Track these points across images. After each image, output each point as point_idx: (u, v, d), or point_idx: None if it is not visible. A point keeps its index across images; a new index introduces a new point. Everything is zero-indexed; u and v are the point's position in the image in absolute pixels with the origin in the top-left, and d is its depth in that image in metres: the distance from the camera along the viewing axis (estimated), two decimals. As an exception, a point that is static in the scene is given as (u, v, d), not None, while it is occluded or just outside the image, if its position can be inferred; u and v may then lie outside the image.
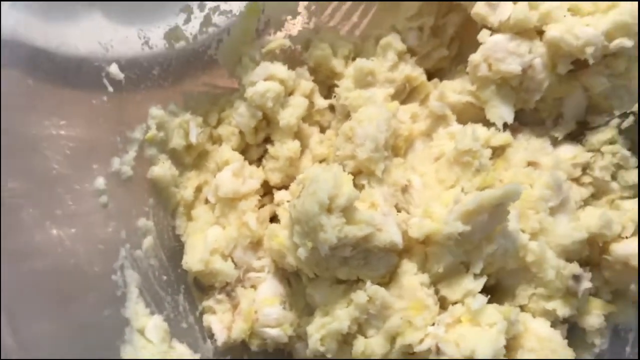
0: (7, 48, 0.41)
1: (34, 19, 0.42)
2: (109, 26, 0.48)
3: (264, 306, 0.53)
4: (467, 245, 0.50)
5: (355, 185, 0.51)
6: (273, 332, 0.53)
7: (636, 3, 0.53)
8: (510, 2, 0.55)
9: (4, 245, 0.38)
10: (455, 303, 0.50)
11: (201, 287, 0.55)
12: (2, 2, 0.41)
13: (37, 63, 0.42)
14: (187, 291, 0.54)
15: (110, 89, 0.48)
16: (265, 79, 0.57)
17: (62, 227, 0.42)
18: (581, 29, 0.53)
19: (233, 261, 0.55)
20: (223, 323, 0.53)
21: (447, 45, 0.63)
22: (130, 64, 0.50)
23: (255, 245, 0.56)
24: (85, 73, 0.46)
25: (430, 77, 0.63)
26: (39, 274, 0.40)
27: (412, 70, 0.61)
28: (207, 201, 0.57)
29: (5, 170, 0.39)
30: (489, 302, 0.50)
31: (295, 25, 0.63)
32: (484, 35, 0.55)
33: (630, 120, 0.55)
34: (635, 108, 0.55)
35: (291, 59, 0.61)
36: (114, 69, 0.48)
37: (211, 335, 0.53)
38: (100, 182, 0.46)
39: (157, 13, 0.52)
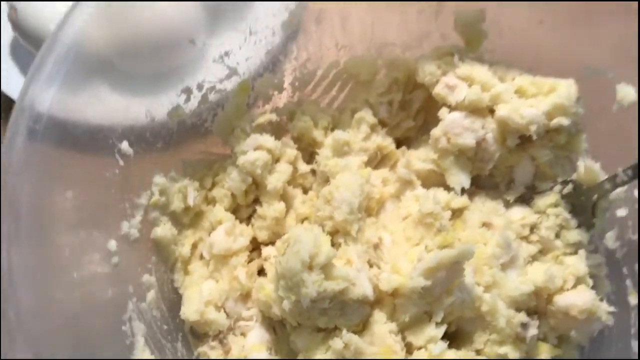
0: (39, 123, 0.48)
1: (62, 97, 0.49)
2: (122, 107, 0.56)
3: (253, 352, 0.60)
4: (429, 298, 0.57)
5: (332, 243, 0.59)
6: (261, 374, 0.59)
7: (573, 87, 0.62)
8: (465, 85, 0.64)
9: (25, 303, 0.44)
10: (420, 348, 0.57)
11: (196, 334, 0.61)
12: (36, 82, 0.48)
13: (63, 139, 0.50)
14: (184, 339, 0.60)
15: (121, 162, 0.55)
16: (255, 149, 0.64)
17: (80, 286, 0.49)
18: (526, 109, 0.62)
19: (225, 311, 0.61)
20: (216, 367, 0.60)
21: (413, 117, 0.72)
22: (138, 139, 0.57)
23: (245, 297, 0.63)
24: (101, 150, 0.53)
25: (398, 144, 0.71)
26: (59, 327, 0.46)
27: (382, 140, 0.69)
28: (202, 257, 0.64)
29: (31, 235, 0.46)
30: (449, 347, 0.58)
31: (281, 99, 0.71)
32: (443, 112, 0.64)
33: (570, 187, 0.63)
34: (574, 177, 0.64)
35: (277, 129, 0.69)
36: (124, 145, 0.55)
37: (206, 379, 0.60)
38: (112, 244, 0.54)
39: (162, 95, 0.60)
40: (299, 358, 0.58)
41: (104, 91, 0.54)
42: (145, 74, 0.57)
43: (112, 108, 0.55)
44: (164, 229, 0.60)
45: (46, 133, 0.48)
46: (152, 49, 0.58)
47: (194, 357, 0.60)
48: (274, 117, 0.67)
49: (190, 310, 0.59)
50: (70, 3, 0.74)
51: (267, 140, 0.65)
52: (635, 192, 0.62)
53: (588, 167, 0.61)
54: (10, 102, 0.78)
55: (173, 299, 0.61)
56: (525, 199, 0.66)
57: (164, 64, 0.59)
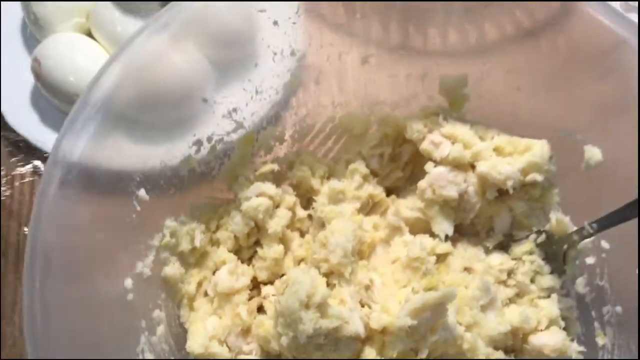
0: (71, 173, 0.53)
1: (91, 149, 0.55)
2: (142, 156, 0.62)
3: (252, 384, 0.65)
4: (415, 336, 0.62)
5: (327, 283, 0.64)
6: (259, 406, 0.64)
7: (546, 147, 0.69)
8: (449, 142, 0.71)
9: (51, 334, 0.49)
10: (406, 382, 0.63)
11: (200, 367, 0.67)
12: (68, 136, 0.54)
13: (90, 186, 0.55)
14: (189, 371, 0.65)
15: (138, 208, 0.61)
16: (257, 195, 0.70)
17: (101, 319, 0.54)
18: (503, 166, 0.68)
19: (227, 345, 0.66)
20: (218, 398, 0.65)
21: (402, 168, 0.78)
22: (153, 186, 0.63)
23: (245, 332, 0.68)
24: (121, 196, 0.59)
25: (388, 193, 0.78)
26: (81, 356, 0.51)
27: (374, 189, 0.75)
28: (206, 294, 0.69)
29: (60, 274, 0.52)
30: (433, 382, 0.63)
31: (282, 149, 0.78)
32: (429, 166, 0.71)
33: (543, 237, 0.69)
34: (547, 227, 0.70)
35: (278, 177, 0.75)
36: (142, 192, 0.61)
37: (209, 408, 0.64)
38: (128, 282, 0.59)
39: (176, 146, 0.66)
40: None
41: (125, 142, 0.60)
42: (162, 128, 0.63)
43: (132, 157, 0.61)
44: (172, 268, 0.66)
45: (76, 181, 0.54)
46: (169, 105, 0.64)
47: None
48: (275, 167, 0.73)
49: (195, 344, 0.64)
50: (90, 55, 0.81)
51: (269, 187, 0.71)
52: (602, 243, 0.68)
53: (559, 220, 0.68)
54: (23, 142, 0.84)
55: (179, 333, 0.66)
56: (503, 246, 0.72)
57: (178, 118, 0.66)
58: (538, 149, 0.68)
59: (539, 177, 0.68)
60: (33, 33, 0.85)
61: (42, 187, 0.52)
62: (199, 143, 0.68)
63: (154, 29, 0.60)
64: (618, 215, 0.59)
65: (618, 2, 1.02)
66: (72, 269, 0.52)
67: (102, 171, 0.57)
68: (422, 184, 0.71)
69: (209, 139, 0.69)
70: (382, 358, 0.63)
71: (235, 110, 0.70)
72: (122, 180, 0.60)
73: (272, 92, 0.72)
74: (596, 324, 0.68)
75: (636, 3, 0.66)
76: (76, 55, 0.79)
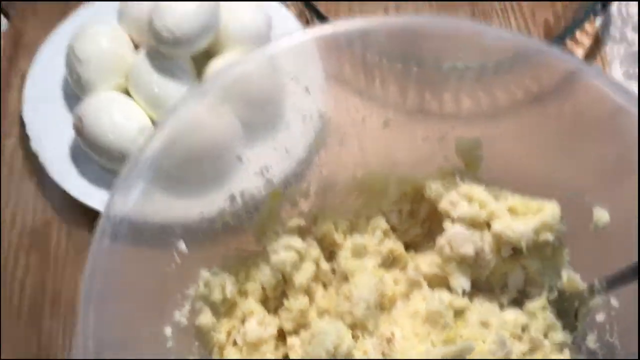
0: (122, 226, 0.58)
1: (139, 204, 0.60)
2: (183, 211, 0.66)
3: None
4: (435, 387, 0.66)
5: (352, 336, 0.68)
6: None
7: (557, 209, 0.73)
8: (466, 202, 0.76)
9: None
10: None
11: (229, 412, 0.70)
12: (119, 194, 0.59)
13: (137, 239, 0.60)
14: (219, 416, 0.68)
15: (178, 260, 0.65)
16: (285, 249, 0.75)
17: (143, 365, 0.58)
18: (517, 226, 0.73)
19: (255, 393, 0.70)
20: None
21: (421, 224, 0.83)
22: (192, 239, 0.67)
23: (272, 381, 0.71)
24: (164, 248, 0.64)
25: (407, 248, 0.82)
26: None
27: (394, 245, 0.80)
28: (235, 343, 0.73)
29: (112, 321, 0.55)
30: None
31: (307, 204, 0.83)
32: (447, 224, 0.75)
33: (555, 294, 0.73)
34: (559, 284, 0.74)
35: (303, 231, 0.80)
36: (181, 245, 0.66)
37: None
38: (168, 330, 0.62)
39: (213, 201, 0.71)
40: None
41: (169, 198, 0.64)
42: (201, 184, 0.68)
43: (174, 212, 0.65)
44: (205, 318, 0.69)
45: (125, 235, 0.58)
46: (207, 164, 0.69)
47: None
48: (302, 222, 0.78)
49: (225, 391, 0.68)
50: (128, 114, 0.87)
51: (296, 241, 0.75)
52: (612, 300, 0.72)
53: (570, 277, 0.72)
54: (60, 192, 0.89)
55: (210, 381, 0.69)
56: (517, 302, 0.76)
57: (215, 176, 0.71)
58: (549, 211, 0.73)
59: (550, 237, 0.72)
60: (75, 91, 0.91)
61: (95, 240, 0.56)
62: (232, 198, 0.73)
63: (196, 98, 0.66)
64: (625, 274, 0.63)
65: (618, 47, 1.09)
66: (122, 319, 0.56)
67: (148, 225, 0.61)
68: (440, 241, 0.75)
69: (242, 194, 0.74)
70: (404, 408, 0.66)
71: (266, 168, 0.74)
72: (164, 233, 0.64)
73: (300, 151, 0.77)
74: (607, 379, 0.71)
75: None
76: (115, 114, 0.85)
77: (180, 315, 0.66)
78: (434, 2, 1.17)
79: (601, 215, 0.71)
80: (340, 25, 0.75)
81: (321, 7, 1.06)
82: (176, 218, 0.66)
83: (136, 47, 0.94)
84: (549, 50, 0.72)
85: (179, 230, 0.66)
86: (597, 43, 1.13)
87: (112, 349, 0.54)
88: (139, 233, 0.60)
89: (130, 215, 0.59)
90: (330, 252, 0.81)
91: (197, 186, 0.69)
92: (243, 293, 0.76)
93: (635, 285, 0.66)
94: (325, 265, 0.79)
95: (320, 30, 0.74)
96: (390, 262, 0.80)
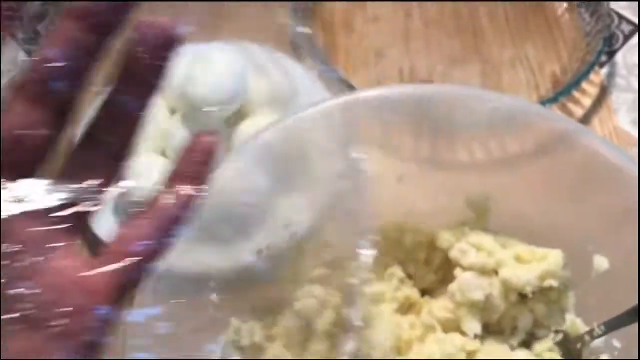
0: (161, 279, 0.65)
1: (176, 259, 0.68)
2: (217, 265, 0.74)
3: None
4: None
5: (370, 378, 0.74)
6: None
7: (560, 256, 0.79)
8: (475, 251, 0.82)
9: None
10: None
11: None
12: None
13: (176, 291, 0.67)
14: None
15: (211, 310, 0.73)
16: (307, 297, 0.82)
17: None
18: (522, 273, 0.78)
19: None
20: None
21: (435, 272, 0.89)
22: (223, 290, 0.75)
23: (298, 422, 0.77)
24: (199, 299, 0.72)
25: (422, 293, 0.88)
26: None
27: (410, 291, 0.86)
28: (263, 386, 0.80)
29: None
30: None
31: (327, 253, 0.90)
32: (458, 272, 0.81)
33: (561, 336, 0.78)
34: (563, 327, 0.79)
35: (324, 279, 0.87)
36: (214, 296, 0.73)
37: None
38: (203, 375, 0.70)
39: (243, 257, 0.78)
40: None
41: (205, 252, 0.72)
42: (233, 240, 0.76)
43: (208, 266, 0.73)
44: (235, 362, 0.76)
45: (164, 287, 0.66)
46: (240, 221, 0.77)
47: None
48: (323, 271, 0.85)
49: None
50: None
51: (318, 289, 0.82)
52: (614, 341, 0.76)
53: (572, 321, 0.77)
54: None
55: None
56: (526, 344, 0.81)
57: (246, 232, 0.78)
58: (553, 258, 0.78)
59: (554, 283, 0.77)
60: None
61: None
62: (260, 252, 0.80)
63: (230, 160, 0.74)
64: (621, 319, 0.68)
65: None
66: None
67: (184, 278, 0.69)
68: (451, 287, 0.81)
69: (268, 248, 0.81)
70: None
71: (289, 223, 0.82)
72: (199, 285, 0.72)
73: (317, 204, 0.84)
74: (614, 418, 0.75)
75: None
76: (154, 177, 0.93)
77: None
78: (445, 56, 1.25)
79: (601, 262, 0.77)
80: (362, 94, 0.84)
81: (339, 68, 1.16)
82: (210, 271, 0.73)
83: (172, 112, 1.03)
84: (548, 113, 0.79)
85: (213, 284, 0.74)
86: (604, 92, 1.19)
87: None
88: (178, 286, 0.68)
89: (169, 268, 0.67)
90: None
91: (231, 241, 0.76)
92: (269, 338, 0.83)
93: (633, 327, 0.70)
94: (345, 312, 0.85)
95: (344, 98, 0.83)
96: (406, 307, 0.86)
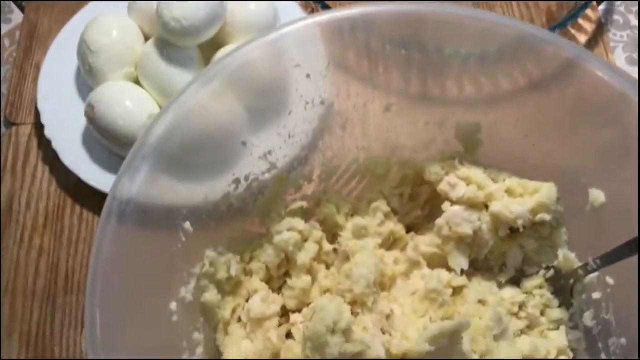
0: (129, 207, 0.61)
1: (145, 186, 0.63)
2: (188, 192, 0.69)
3: (281, 403, 0.70)
4: (433, 361, 0.68)
5: (352, 312, 0.70)
6: (287, 423, 0.70)
7: (554, 190, 0.75)
8: (464, 184, 0.78)
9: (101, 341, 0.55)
10: (424, 404, 0.68)
11: (234, 387, 0.72)
12: (126, 175, 0.62)
13: (143, 220, 0.62)
14: (224, 390, 0.71)
15: (184, 239, 0.68)
16: (288, 230, 0.77)
17: (150, 336, 0.61)
18: (514, 206, 0.74)
19: (259, 367, 0.72)
20: (250, 415, 0.70)
21: (421, 207, 0.85)
22: (197, 220, 0.70)
23: (276, 356, 0.73)
24: (170, 228, 0.66)
25: (407, 230, 0.84)
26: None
27: (394, 227, 0.82)
28: (239, 320, 0.76)
29: (118, 298, 0.58)
30: (449, 405, 0.68)
31: (310, 188, 0.85)
32: (446, 206, 0.77)
33: (552, 272, 0.75)
34: (555, 263, 0.76)
35: (306, 214, 0.82)
36: (187, 225, 0.68)
37: None
38: (173, 305, 0.65)
39: (218, 183, 0.73)
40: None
41: (175, 181, 0.67)
42: (206, 168, 0.71)
43: (180, 194, 0.68)
44: (211, 295, 0.72)
45: (132, 215, 0.61)
46: (212, 148, 0.72)
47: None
48: (304, 204, 0.80)
49: (230, 366, 0.70)
50: (138, 102, 0.90)
51: (299, 223, 0.78)
52: (607, 279, 0.73)
53: (565, 256, 0.73)
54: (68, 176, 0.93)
55: (215, 355, 0.72)
56: (515, 281, 0.78)
57: (220, 160, 0.73)
58: (546, 191, 0.74)
59: (547, 217, 0.74)
60: (87, 81, 0.94)
61: (102, 220, 0.59)
62: (237, 182, 0.75)
63: (200, 83, 0.68)
64: (619, 252, 0.65)
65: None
66: (128, 292, 0.59)
67: (154, 206, 0.64)
68: (439, 221, 0.77)
69: (246, 178, 0.76)
70: (402, 382, 0.69)
71: (270, 152, 0.77)
72: (170, 214, 0.67)
73: (303, 136, 0.79)
74: (603, 355, 0.72)
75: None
76: (125, 102, 0.87)
77: (186, 292, 0.68)
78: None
79: (597, 196, 0.73)
80: (343, 12, 0.77)
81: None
82: (182, 200, 0.68)
83: (146, 38, 0.97)
84: (549, 37, 0.73)
85: (185, 212, 0.69)
86: (600, 29, 1.14)
87: (119, 321, 0.57)
88: (146, 214, 0.63)
89: (137, 197, 0.62)
90: (332, 234, 0.83)
91: (203, 170, 0.71)
92: (248, 273, 0.79)
93: (629, 262, 0.67)
94: (327, 246, 0.81)
95: (323, 17, 0.77)
96: (390, 243, 0.83)
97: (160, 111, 0.66)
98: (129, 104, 0.88)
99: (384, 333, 0.72)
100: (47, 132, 0.93)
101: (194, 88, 0.68)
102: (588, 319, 0.75)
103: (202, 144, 0.70)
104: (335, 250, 0.82)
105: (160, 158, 0.64)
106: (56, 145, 0.92)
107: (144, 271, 0.62)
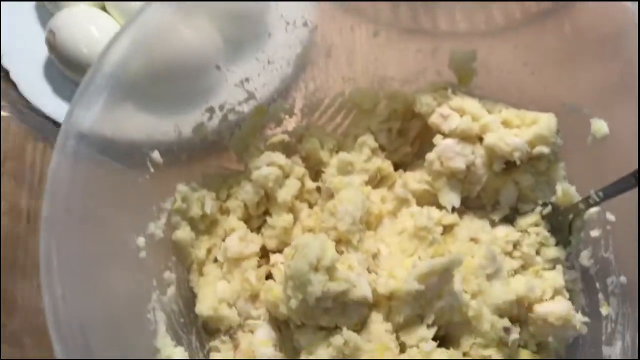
0: (84, 139, 0.55)
1: (103, 117, 0.56)
2: (154, 122, 0.63)
3: (260, 347, 0.65)
4: (422, 301, 0.63)
5: (336, 251, 0.65)
6: (267, 367, 0.65)
7: (553, 120, 0.70)
8: (458, 115, 0.72)
9: (69, 286, 0.50)
10: (412, 347, 0.63)
11: (209, 330, 0.67)
12: (80, 105, 0.56)
13: (103, 151, 0.57)
14: (197, 333, 0.66)
15: (152, 170, 0.62)
16: (267, 165, 0.71)
17: (113, 273, 0.55)
18: (510, 138, 0.69)
19: (236, 310, 0.68)
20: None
21: (410, 143, 0.79)
22: (167, 150, 0.64)
23: (254, 297, 0.69)
24: (136, 158, 0.60)
25: (396, 168, 0.78)
26: (96, 306, 0.52)
27: (382, 163, 0.76)
28: (216, 260, 0.71)
29: (69, 233, 0.53)
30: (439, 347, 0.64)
31: (291, 122, 0.79)
32: (437, 139, 0.72)
33: (549, 209, 0.71)
34: (553, 199, 0.71)
35: (287, 149, 0.76)
36: (155, 155, 0.62)
37: (217, 369, 0.66)
38: (141, 240, 0.60)
39: (189, 112, 0.67)
40: (302, 357, 0.64)
41: (138, 112, 0.61)
42: (175, 97, 0.64)
43: (145, 125, 0.62)
44: (183, 233, 0.67)
45: (89, 147, 0.55)
46: (180, 76, 0.65)
47: (206, 350, 0.66)
48: (285, 137, 0.75)
49: (204, 307, 0.65)
50: (103, 28, 0.83)
51: (279, 157, 0.72)
52: (607, 215, 0.69)
53: (565, 190, 0.69)
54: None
55: (188, 297, 0.67)
56: (509, 219, 0.73)
57: (191, 88, 0.67)
58: (545, 122, 0.69)
59: (545, 150, 0.69)
60: (49, 8, 0.86)
61: (55, 155, 0.53)
62: (211, 111, 0.69)
63: (163, 2, 0.61)
64: (624, 182, 0.60)
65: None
66: (88, 226, 0.53)
67: (115, 139, 0.58)
68: (430, 156, 0.72)
69: (221, 108, 0.70)
70: (389, 323, 0.64)
71: (247, 79, 0.71)
72: (136, 144, 0.61)
73: (284, 63, 0.73)
74: (600, 295, 0.69)
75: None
76: (90, 28, 0.80)
77: (156, 228, 0.63)
78: None
79: (600, 126, 0.68)
80: None
81: None
82: (148, 132, 0.62)
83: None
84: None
85: (153, 142, 0.63)
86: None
87: (78, 262, 0.51)
88: (105, 146, 0.57)
89: (93, 130, 0.55)
90: (316, 172, 0.78)
91: (170, 97, 0.65)
92: (224, 211, 0.73)
93: (631, 198, 0.63)
94: (310, 184, 0.76)
95: None
96: (378, 181, 0.77)
97: (116, 33, 0.58)
98: (93, 30, 0.81)
99: (370, 272, 0.67)
100: (5, 62, 0.85)
101: (155, 7, 0.61)
102: (585, 258, 0.71)
103: (168, 70, 0.63)
104: (318, 188, 0.77)
105: (117, 87, 0.57)
106: (15, 75, 0.84)
107: (106, 203, 0.56)
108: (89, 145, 0.55)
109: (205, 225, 0.71)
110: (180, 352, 0.59)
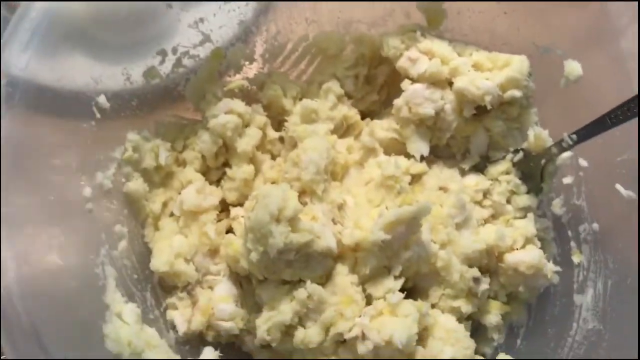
0: (16, 86, 0.50)
1: (39, 60, 0.51)
2: (100, 65, 0.58)
3: (219, 303, 0.62)
4: (388, 252, 0.61)
5: (299, 202, 0.62)
6: (227, 324, 0.62)
7: (525, 62, 0.66)
8: (427, 58, 0.68)
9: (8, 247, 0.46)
10: (379, 299, 0.61)
11: (165, 287, 0.64)
12: (10, 47, 0.50)
13: (41, 96, 0.52)
14: (153, 290, 0.63)
15: (98, 115, 0.57)
16: (225, 112, 0.67)
17: (59, 224, 0.51)
18: (481, 81, 0.66)
19: (194, 265, 0.64)
20: (184, 317, 0.62)
21: (378, 91, 0.75)
22: (115, 95, 0.59)
23: (213, 252, 0.65)
24: (80, 103, 0.56)
25: (363, 116, 0.75)
26: (41, 256, 0.49)
27: (348, 111, 0.73)
28: (172, 214, 0.67)
29: (9, 185, 0.48)
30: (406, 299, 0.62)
31: (252, 69, 0.74)
32: (405, 84, 0.68)
33: (520, 155, 0.68)
34: (524, 146, 0.69)
35: (248, 97, 0.72)
36: (102, 99, 0.57)
37: (173, 327, 0.62)
38: (87, 191, 0.56)
39: (138, 55, 0.62)
40: (264, 313, 0.61)
41: (81, 53, 0.56)
42: (123, 39, 0.60)
43: (90, 68, 0.57)
44: (135, 184, 0.63)
45: (23, 94, 0.50)
46: (127, 18, 0.60)
47: (162, 307, 0.62)
48: (245, 82, 0.70)
49: (159, 262, 0.62)
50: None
51: (238, 104, 0.68)
52: (580, 161, 0.66)
53: (537, 134, 0.66)
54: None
55: (143, 252, 0.63)
56: (479, 168, 0.70)
57: (140, 29, 0.62)
58: (517, 64, 0.66)
59: (517, 93, 0.66)
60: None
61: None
62: (163, 53, 0.64)
63: None
64: (598, 124, 0.58)
65: None
66: (30, 174, 0.49)
67: (55, 81, 0.53)
68: (398, 102, 0.68)
69: (174, 50, 0.65)
70: (354, 275, 0.61)
71: (202, 20, 0.66)
72: (79, 90, 0.56)
73: (242, 3, 0.68)
74: (572, 243, 0.67)
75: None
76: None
77: (104, 178, 0.58)
78: None
79: (573, 68, 0.65)
80: None
81: None
82: (92, 74, 0.57)
83: None
84: None
85: (99, 85, 0.58)
86: None
87: (23, 214, 0.47)
88: (43, 91, 0.52)
89: (28, 74, 0.51)
90: (278, 121, 0.74)
91: (115, 37, 0.59)
92: (181, 163, 0.69)
93: (604, 142, 0.61)
94: (272, 134, 0.72)
95: None
96: (343, 129, 0.73)
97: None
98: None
99: (335, 224, 0.64)
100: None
101: None
102: (557, 206, 0.69)
103: (113, 12, 0.58)
104: (281, 138, 0.73)
105: (54, 27, 0.52)
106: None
107: (47, 149, 0.52)
108: (22, 91, 0.50)
109: (160, 177, 0.67)
110: (131, 308, 0.56)
